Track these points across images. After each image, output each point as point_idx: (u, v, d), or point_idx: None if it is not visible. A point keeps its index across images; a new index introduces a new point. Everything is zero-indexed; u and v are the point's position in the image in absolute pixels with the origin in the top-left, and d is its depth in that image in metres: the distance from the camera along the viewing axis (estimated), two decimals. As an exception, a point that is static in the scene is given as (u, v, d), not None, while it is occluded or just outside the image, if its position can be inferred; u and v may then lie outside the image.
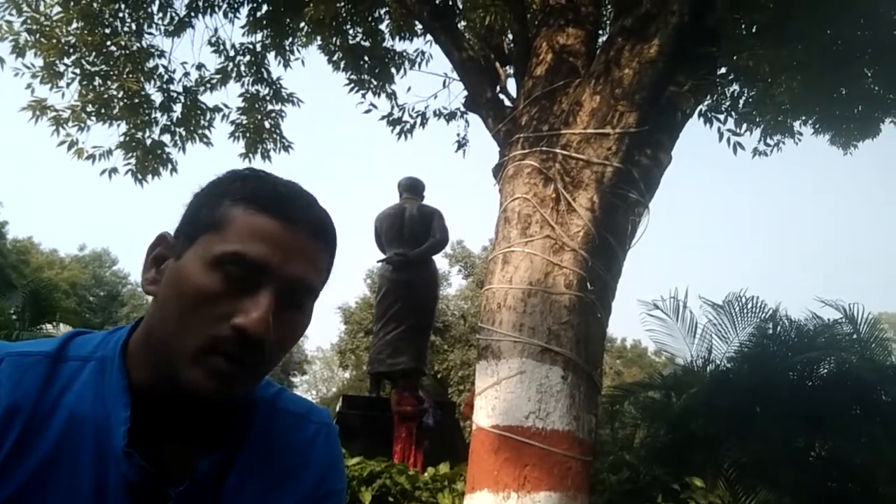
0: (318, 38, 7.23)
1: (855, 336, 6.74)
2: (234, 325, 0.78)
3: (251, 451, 0.89)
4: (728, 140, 6.45)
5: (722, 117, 6.87)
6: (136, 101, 6.90)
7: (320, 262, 0.87)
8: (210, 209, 0.85)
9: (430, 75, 7.95)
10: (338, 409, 7.83)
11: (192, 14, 7.01)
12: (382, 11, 7.22)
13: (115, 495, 0.79)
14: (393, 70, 7.45)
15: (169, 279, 0.84)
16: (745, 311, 7.15)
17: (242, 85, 7.45)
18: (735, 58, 6.55)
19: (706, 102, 6.68)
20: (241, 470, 0.87)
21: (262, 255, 0.80)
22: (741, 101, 7.22)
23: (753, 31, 6.46)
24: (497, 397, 3.37)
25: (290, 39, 7.34)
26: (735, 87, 7.15)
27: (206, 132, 7.36)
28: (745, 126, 7.23)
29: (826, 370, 6.57)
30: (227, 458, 0.87)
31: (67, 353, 0.85)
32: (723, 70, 6.49)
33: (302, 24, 7.03)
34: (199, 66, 7.30)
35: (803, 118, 7.28)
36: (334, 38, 7.18)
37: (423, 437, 6.86)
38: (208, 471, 0.84)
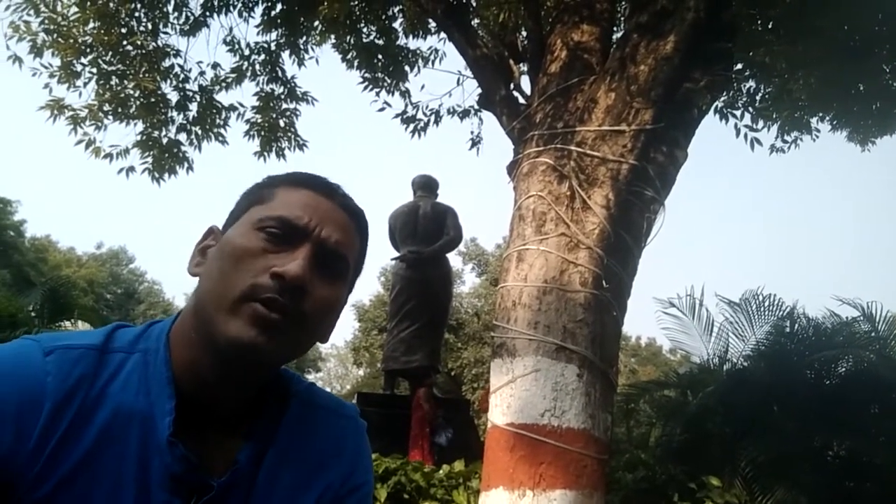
0: (333, 36, 7.25)
1: (873, 334, 6.68)
2: (274, 271, 0.83)
3: (283, 443, 0.91)
4: (745, 136, 6.41)
5: (738, 113, 6.84)
6: (153, 100, 6.95)
7: (352, 237, 0.93)
8: (256, 192, 0.94)
9: (444, 73, 7.97)
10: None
11: (208, 13, 7.06)
12: (396, 9, 7.22)
13: (158, 486, 0.80)
14: (407, 68, 7.46)
15: (213, 252, 0.90)
16: (762, 308, 7.10)
17: (257, 84, 7.50)
18: (751, 53, 6.50)
19: (722, 98, 6.64)
20: (274, 461, 0.90)
21: (301, 217, 0.88)
22: (758, 97, 7.17)
23: (770, 26, 6.41)
24: (512, 395, 3.36)
25: (305, 38, 7.37)
26: (751, 83, 7.10)
27: (222, 131, 7.41)
28: (761, 122, 7.17)
29: (844, 369, 6.51)
30: (261, 449, 0.89)
31: (112, 344, 0.87)
32: (739, 66, 6.44)
33: (316, 23, 7.05)
34: (215, 65, 7.36)
35: (820, 114, 7.20)
36: (348, 37, 7.20)
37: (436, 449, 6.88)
38: (246, 462, 0.86)
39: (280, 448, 0.91)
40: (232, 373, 0.85)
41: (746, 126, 6.54)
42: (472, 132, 7.52)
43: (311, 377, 32.78)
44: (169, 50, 7.14)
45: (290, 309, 0.82)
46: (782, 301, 7.06)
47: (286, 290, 0.82)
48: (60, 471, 0.77)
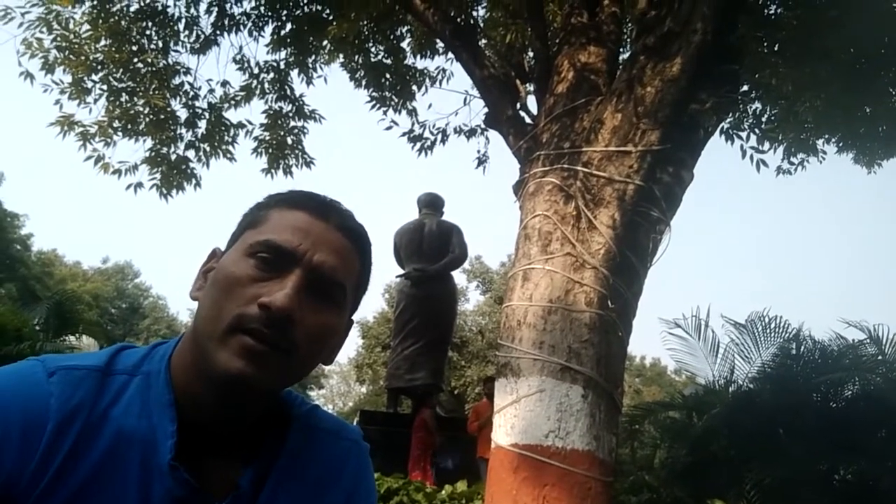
0: (341, 55, 7.33)
1: (880, 357, 6.63)
2: (261, 302, 0.81)
3: (285, 466, 0.91)
4: (751, 158, 6.42)
5: (744, 135, 6.85)
6: (162, 117, 7.02)
7: (350, 260, 0.90)
8: (252, 214, 0.92)
9: (451, 92, 8.01)
10: (355, 424, 7.81)
11: (218, 32, 7.14)
12: (404, 30, 7.30)
13: None
14: (414, 87, 7.52)
15: (210, 278, 0.89)
16: (767, 330, 7.07)
17: (266, 102, 7.56)
18: (757, 75, 6.53)
19: (728, 120, 6.66)
20: (275, 484, 0.89)
21: (291, 242, 0.85)
22: (764, 119, 7.18)
23: (776, 48, 6.44)
24: (516, 415, 3.35)
25: (314, 57, 7.45)
26: (757, 104, 7.12)
27: (230, 148, 7.47)
28: (767, 144, 7.18)
29: (850, 392, 6.47)
30: (263, 472, 0.88)
31: (115, 366, 0.87)
32: (745, 87, 6.46)
33: (325, 42, 7.12)
34: (224, 83, 7.44)
35: (827, 136, 7.21)
36: (357, 56, 7.26)
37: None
38: (247, 486, 0.86)
39: (281, 471, 0.90)
40: (226, 400, 0.84)
41: (752, 147, 6.55)
42: (478, 151, 7.57)
43: (313, 394, 32.75)
44: (179, 68, 7.22)
45: (278, 340, 0.81)
46: (788, 323, 7.03)
47: (273, 321, 0.80)
48: (62, 493, 0.76)
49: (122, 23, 6.72)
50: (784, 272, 65.92)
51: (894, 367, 6.61)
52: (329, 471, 0.95)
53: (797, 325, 7.01)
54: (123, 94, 6.91)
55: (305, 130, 7.67)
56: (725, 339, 7.43)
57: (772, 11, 6.32)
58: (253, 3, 7.15)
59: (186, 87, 7.28)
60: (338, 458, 0.98)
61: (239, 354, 0.80)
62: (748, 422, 6.07)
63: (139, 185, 7.03)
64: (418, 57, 7.45)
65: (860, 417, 5.92)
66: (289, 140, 7.61)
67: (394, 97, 7.44)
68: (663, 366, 31.84)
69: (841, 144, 7.14)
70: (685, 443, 6.88)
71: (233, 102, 7.43)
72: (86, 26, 6.67)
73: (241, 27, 7.18)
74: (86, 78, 6.74)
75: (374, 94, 7.41)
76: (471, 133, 7.53)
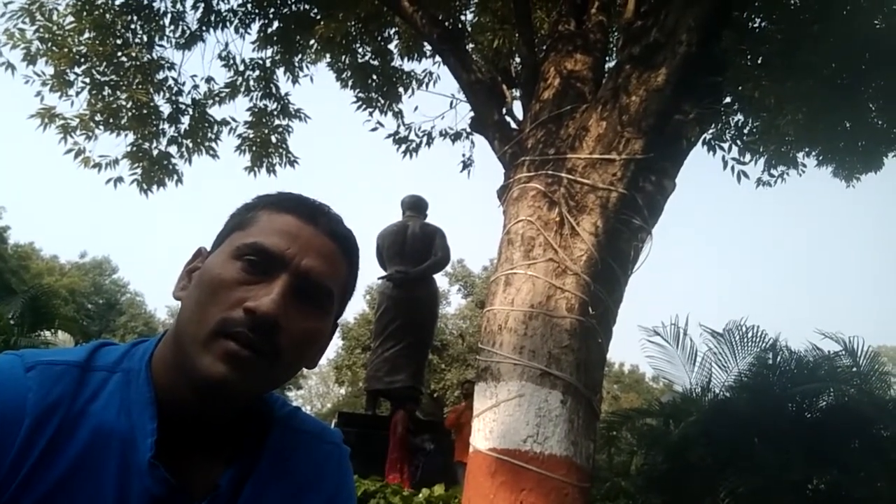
0: (328, 55, 7.32)
1: (855, 369, 6.72)
2: (246, 307, 0.80)
3: (266, 468, 0.90)
4: (732, 169, 6.49)
5: (726, 146, 6.93)
6: (145, 111, 6.96)
7: (337, 265, 0.89)
8: (240, 215, 0.91)
9: (438, 95, 8.04)
10: (333, 425, 7.76)
11: (204, 28, 7.09)
12: (392, 31, 7.30)
13: None
14: (400, 89, 7.52)
15: (195, 279, 0.88)
16: (745, 339, 7.13)
17: (251, 99, 7.53)
18: (740, 88, 6.61)
19: (710, 131, 6.73)
20: (256, 486, 0.88)
21: (279, 246, 0.84)
22: (745, 131, 7.27)
23: (759, 62, 6.53)
24: (495, 420, 3.35)
25: (300, 56, 7.43)
26: (739, 116, 7.21)
27: (213, 145, 7.42)
28: (749, 155, 7.27)
29: (825, 402, 6.54)
30: (243, 473, 0.87)
31: (95, 362, 0.86)
32: (728, 99, 6.53)
33: (312, 42, 7.10)
34: (209, 80, 7.39)
35: (807, 149, 7.31)
36: (343, 57, 7.25)
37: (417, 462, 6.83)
38: (227, 486, 0.85)
39: (262, 472, 0.89)
40: (208, 402, 0.84)
41: (734, 159, 6.64)
42: (463, 154, 7.58)
43: (291, 395, 32.55)
44: (163, 62, 7.16)
45: (262, 345, 0.80)
46: (765, 333, 7.10)
47: (257, 326, 0.80)
48: (40, 487, 0.75)
49: (107, 16, 6.65)
50: (762, 282, 66.68)
51: (868, 378, 6.71)
52: (310, 474, 0.95)
53: (774, 335, 7.09)
54: (106, 88, 6.83)
55: (290, 129, 7.64)
56: (703, 348, 7.49)
57: (756, 25, 6.40)
58: (240, 0, 7.12)
59: (170, 82, 7.23)
60: (319, 461, 0.97)
61: (222, 359, 0.79)
62: (724, 430, 6.12)
63: (119, 179, 6.97)
64: (405, 59, 7.47)
65: (834, 428, 5.99)
66: (273, 138, 7.58)
67: (380, 98, 7.44)
68: (641, 373, 32.01)
69: (821, 158, 7.24)
70: (662, 450, 6.93)
71: (217, 99, 7.38)
72: (69, 18, 6.59)
73: (228, 24, 7.14)
74: (68, 70, 6.67)
75: (360, 94, 7.40)
76: (456, 136, 7.56)
